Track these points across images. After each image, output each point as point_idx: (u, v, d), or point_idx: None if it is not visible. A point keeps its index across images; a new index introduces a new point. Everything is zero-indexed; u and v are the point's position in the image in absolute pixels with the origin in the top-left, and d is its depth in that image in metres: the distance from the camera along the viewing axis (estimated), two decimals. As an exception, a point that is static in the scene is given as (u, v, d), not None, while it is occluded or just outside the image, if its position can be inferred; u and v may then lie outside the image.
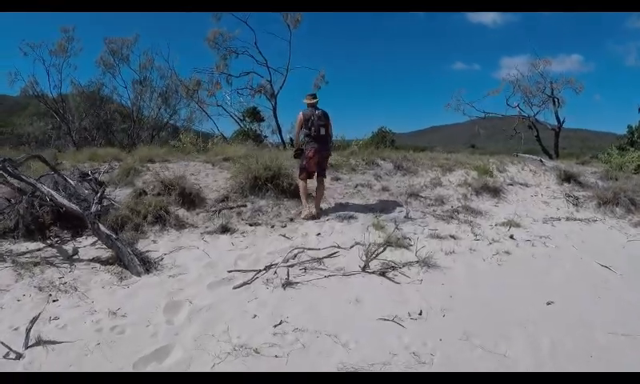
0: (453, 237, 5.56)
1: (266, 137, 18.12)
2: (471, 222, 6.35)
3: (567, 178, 8.76)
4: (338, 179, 7.66)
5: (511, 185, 8.54)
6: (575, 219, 7.01)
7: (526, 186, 8.67)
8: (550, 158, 17.18)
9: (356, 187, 7.44)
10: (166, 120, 18.82)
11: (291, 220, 5.99)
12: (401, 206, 6.77)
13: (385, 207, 6.67)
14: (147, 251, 4.65)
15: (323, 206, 6.49)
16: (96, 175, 6.39)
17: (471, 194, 7.73)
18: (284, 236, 5.47)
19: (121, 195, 6.14)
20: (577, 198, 8.12)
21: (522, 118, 19.12)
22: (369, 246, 4.52)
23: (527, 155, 11.78)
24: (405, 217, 6.28)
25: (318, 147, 5.92)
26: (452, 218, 6.52)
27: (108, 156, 8.03)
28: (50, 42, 16.93)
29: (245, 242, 5.26)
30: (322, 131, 5.84)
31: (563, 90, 18.64)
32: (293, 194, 6.54)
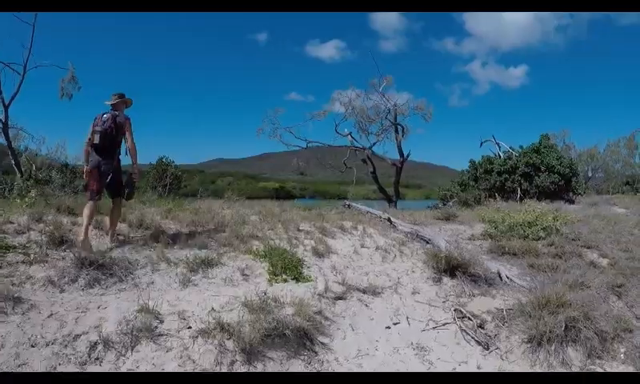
0: None
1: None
2: None
3: (450, 267, 4.22)
4: None
5: (342, 298, 3.61)
6: None
7: (374, 293, 3.85)
8: (390, 201, 13.51)
9: None
10: None
11: None
12: None
13: None
14: None
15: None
16: None
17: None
18: None
19: None
20: (481, 325, 3.57)
21: (354, 148, 15.13)
22: None
23: (365, 208, 7.26)
24: None
25: (96, 160, 4.41)
26: None
27: None
28: None
29: None
30: (97, 139, 4.36)
31: (410, 117, 15.10)
32: None
